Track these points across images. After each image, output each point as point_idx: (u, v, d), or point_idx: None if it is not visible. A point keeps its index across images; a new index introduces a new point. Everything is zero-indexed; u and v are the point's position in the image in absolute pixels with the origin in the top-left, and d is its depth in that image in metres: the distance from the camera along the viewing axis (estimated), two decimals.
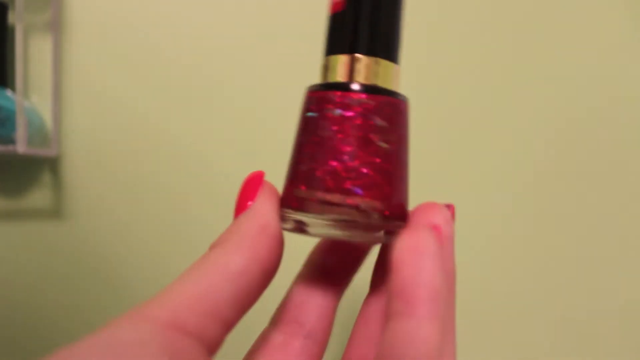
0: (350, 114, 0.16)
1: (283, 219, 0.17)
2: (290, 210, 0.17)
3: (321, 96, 0.17)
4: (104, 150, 0.42)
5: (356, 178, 0.16)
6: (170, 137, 0.43)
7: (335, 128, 0.16)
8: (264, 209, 0.16)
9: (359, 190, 0.16)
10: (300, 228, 0.17)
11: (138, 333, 0.13)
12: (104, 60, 0.42)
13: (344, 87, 0.17)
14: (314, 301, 0.19)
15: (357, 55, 0.17)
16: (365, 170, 0.16)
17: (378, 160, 0.16)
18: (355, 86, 0.17)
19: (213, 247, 0.16)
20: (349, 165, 0.16)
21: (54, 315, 0.42)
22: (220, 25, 0.43)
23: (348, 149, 0.16)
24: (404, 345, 0.13)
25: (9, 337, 0.42)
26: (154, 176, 0.43)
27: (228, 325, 0.14)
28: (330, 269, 0.19)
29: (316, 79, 0.19)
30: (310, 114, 0.17)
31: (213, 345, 0.14)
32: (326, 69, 0.18)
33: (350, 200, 0.16)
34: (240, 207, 0.17)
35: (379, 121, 0.16)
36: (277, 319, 0.19)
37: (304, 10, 0.44)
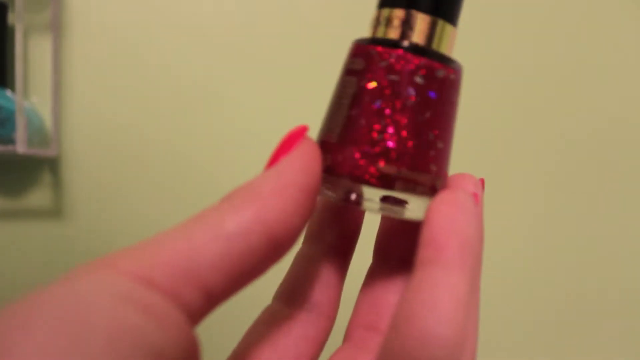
0: (436, 85, 0.15)
1: (331, 186, 0.16)
2: (356, 184, 0.15)
3: (405, 59, 0.15)
4: (103, 151, 0.42)
5: (436, 155, 0.15)
6: (170, 136, 0.43)
7: (420, 99, 0.15)
8: (295, 165, 0.14)
9: (437, 168, 0.16)
10: (348, 199, 0.16)
11: (102, 284, 0.11)
12: (103, 60, 0.42)
13: (438, 57, 0.15)
14: (317, 274, 0.17)
15: (441, 20, 0.16)
16: (441, 146, 0.16)
17: (449, 134, 0.16)
18: (445, 57, 0.15)
19: (221, 199, 0.13)
20: (431, 141, 0.15)
21: None
22: (222, 25, 0.43)
23: (432, 123, 0.15)
24: (429, 291, 0.12)
25: None
26: (154, 176, 0.43)
27: (212, 293, 0.12)
28: (330, 242, 0.18)
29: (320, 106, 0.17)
30: (392, 76, 0.15)
31: (193, 314, 0.12)
32: (405, 23, 0.16)
33: (427, 179, 0.15)
34: (272, 161, 0.14)
35: (455, 96, 0.16)
36: (279, 294, 0.18)
37: (311, 26, 0.44)
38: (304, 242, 0.19)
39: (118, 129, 0.42)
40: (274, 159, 0.14)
